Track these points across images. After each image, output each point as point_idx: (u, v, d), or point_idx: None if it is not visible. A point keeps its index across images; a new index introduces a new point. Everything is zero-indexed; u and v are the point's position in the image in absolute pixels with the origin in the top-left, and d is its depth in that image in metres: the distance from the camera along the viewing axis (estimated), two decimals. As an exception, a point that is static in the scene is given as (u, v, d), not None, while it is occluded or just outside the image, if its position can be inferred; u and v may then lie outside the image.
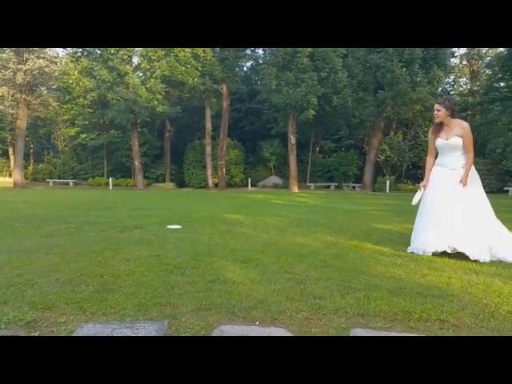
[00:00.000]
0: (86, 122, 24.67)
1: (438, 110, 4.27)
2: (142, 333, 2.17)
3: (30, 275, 3.23)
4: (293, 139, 20.94)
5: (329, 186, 23.48)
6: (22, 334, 2.16)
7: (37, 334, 2.15)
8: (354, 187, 22.50)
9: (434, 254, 4.04)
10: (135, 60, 22.74)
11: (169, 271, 3.38)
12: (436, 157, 4.51)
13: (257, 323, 2.27)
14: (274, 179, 24.16)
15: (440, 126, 4.33)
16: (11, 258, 3.82)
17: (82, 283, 3.03)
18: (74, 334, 2.15)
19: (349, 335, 2.12)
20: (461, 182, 4.16)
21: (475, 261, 3.78)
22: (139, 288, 2.90)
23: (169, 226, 6.01)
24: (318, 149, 25.49)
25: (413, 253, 4.17)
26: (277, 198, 13.96)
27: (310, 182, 23.54)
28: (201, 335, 2.12)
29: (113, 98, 20.85)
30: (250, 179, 23.33)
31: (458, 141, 4.20)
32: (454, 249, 3.92)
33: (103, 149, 25.48)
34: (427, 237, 4.17)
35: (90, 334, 2.16)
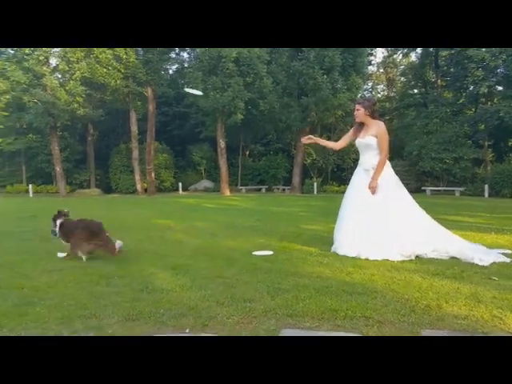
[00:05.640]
0: (1, 126, 22.60)
1: (358, 110, 4.34)
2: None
3: None
4: (222, 143, 20.96)
5: (260, 189, 23.80)
6: None
7: None
8: (283, 190, 23.02)
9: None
10: (53, 61, 21.37)
11: (94, 282, 3.24)
12: (343, 148, 4.82)
13: (187, 331, 2.25)
14: (206, 183, 23.99)
15: (361, 126, 4.42)
16: None
17: (-2, 298, 2.83)
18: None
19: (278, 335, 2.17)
20: (370, 187, 4.19)
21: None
22: (62, 300, 2.77)
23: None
24: (247, 152, 25.75)
25: (335, 252, 4.29)
26: (208, 202, 13.88)
27: (241, 186, 23.68)
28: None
29: (29, 101, 19.38)
30: (180, 183, 22.92)
31: (372, 140, 4.26)
32: (359, 255, 4.04)
33: (21, 154, 23.56)
34: (339, 238, 4.33)
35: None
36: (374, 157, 4.31)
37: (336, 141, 5.05)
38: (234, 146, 24.00)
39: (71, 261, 4.06)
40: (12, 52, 19.89)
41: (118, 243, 4.18)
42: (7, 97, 20.47)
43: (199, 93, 4.26)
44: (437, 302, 2.69)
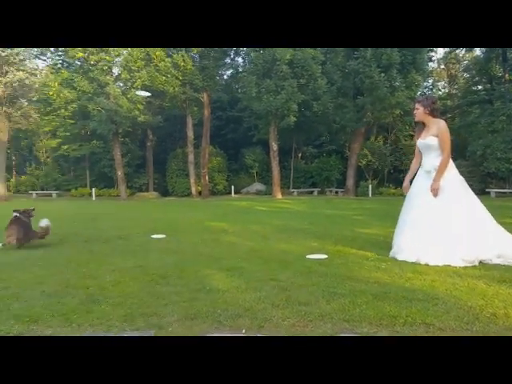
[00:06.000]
0: (68, 133, 24.40)
1: (417, 109, 4.17)
2: (128, 344, 2.17)
3: (14, 288, 3.23)
4: (275, 146, 21.04)
5: (312, 192, 23.62)
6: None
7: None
8: (336, 192, 22.66)
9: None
10: (115, 71, 22.63)
11: (154, 281, 3.38)
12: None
13: (243, 331, 2.28)
14: (258, 186, 24.19)
15: (422, 126, 4.25)
16: (-4, 272, 3.79)
17: (67, 295, 3.02)
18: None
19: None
20: (432, 189, 4.01)
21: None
22: (125, 299, 2.90)
23: (153, 236, 5.98)
24: (300, 155, 25.65)
25: (393, 257, 4.14)
26: (260, 205, 13.98)
27: (293, 188, 23.63)
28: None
29: (94, 109, 20.63)
30: (233, 186, 23.33)
31: (433, 140, 4.09)
32: (419, 260, 3.88)
33: (85, 159, 25.19)
34: (399, 243, 4.17)
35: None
36: (435, 158, 4.13)
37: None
38: (287, 148, 24.02)
39: (131, 261, 4.26)
40: (79, 63, 21.31)
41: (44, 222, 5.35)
42: (74, 105, 22.07)
43: (147, 94, 5.78)
44: (504, 310, 2.52)
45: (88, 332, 2.32)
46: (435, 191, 4.02)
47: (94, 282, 3.40)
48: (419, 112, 4.17)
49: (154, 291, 3.08)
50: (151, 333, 2.27)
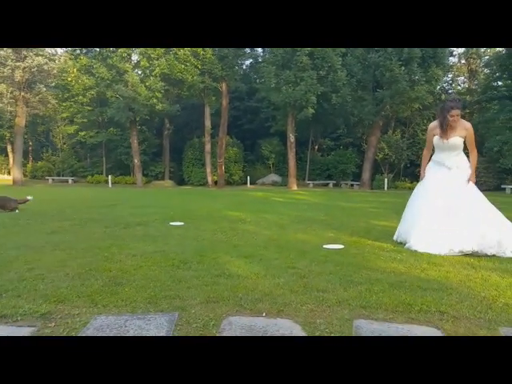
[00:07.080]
0: (85, 120, 24.60)
1: (458, 115, 4.14)
2: (153, 324, 2.25)
3: (39, 270, 3.31)
4: (292, 137, 21.01)
5: (327, 184, 23.57)
6: (38, 325, 2.22)
7: (52, 325, 2.22)
8: (352, 185, 22.59)
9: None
10: (134, 58, 22.74)
11: (175, 266, 3.47)
12: (433, 151, 4.56)
13: (264, 314, 2.37)
14: (273, 177, 24.25)
15: (446, 126, 4.22)
16: (19, 254, 3.90)
17: (91, 277, 3.10)
18: (88, 326, 2.22)
19: (351, 331, 2.18)
20: (468, 181, 4.20)
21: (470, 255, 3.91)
22: (148, 282, 2.98)
23: (172, 223, 6.10)
24: (316, 147, 25.56)
25: (401, 243, 4.33)
26: (276, 196, 14.05)
27: (308, 180, 23.63)
28: (209, 327, 2.20)
29: (112, 96, 20.83)
30: (249, 177, 23.42)
31: (458, 141, 4.20)
32: (431, 250, 4.00)
33: (102, 146, 25.40)
34: (415, 235, 4.24)
35: (104, 325, 2.24)
36: (456, 155, 4.29)
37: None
38: (303, 140, 23.95)
39: (152, 246, 4.38)
40: (98, 50, 21.34)
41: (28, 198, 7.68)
42: (92, 92, 22.20)
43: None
44: (516, 300, 2.59)
45: (101, 319, 2.41)
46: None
47: (116, 265, 3.48)
48: (459, 116, 4.17)
49: (175, 275, 3.16)
50: (175, 315, 2.36)
